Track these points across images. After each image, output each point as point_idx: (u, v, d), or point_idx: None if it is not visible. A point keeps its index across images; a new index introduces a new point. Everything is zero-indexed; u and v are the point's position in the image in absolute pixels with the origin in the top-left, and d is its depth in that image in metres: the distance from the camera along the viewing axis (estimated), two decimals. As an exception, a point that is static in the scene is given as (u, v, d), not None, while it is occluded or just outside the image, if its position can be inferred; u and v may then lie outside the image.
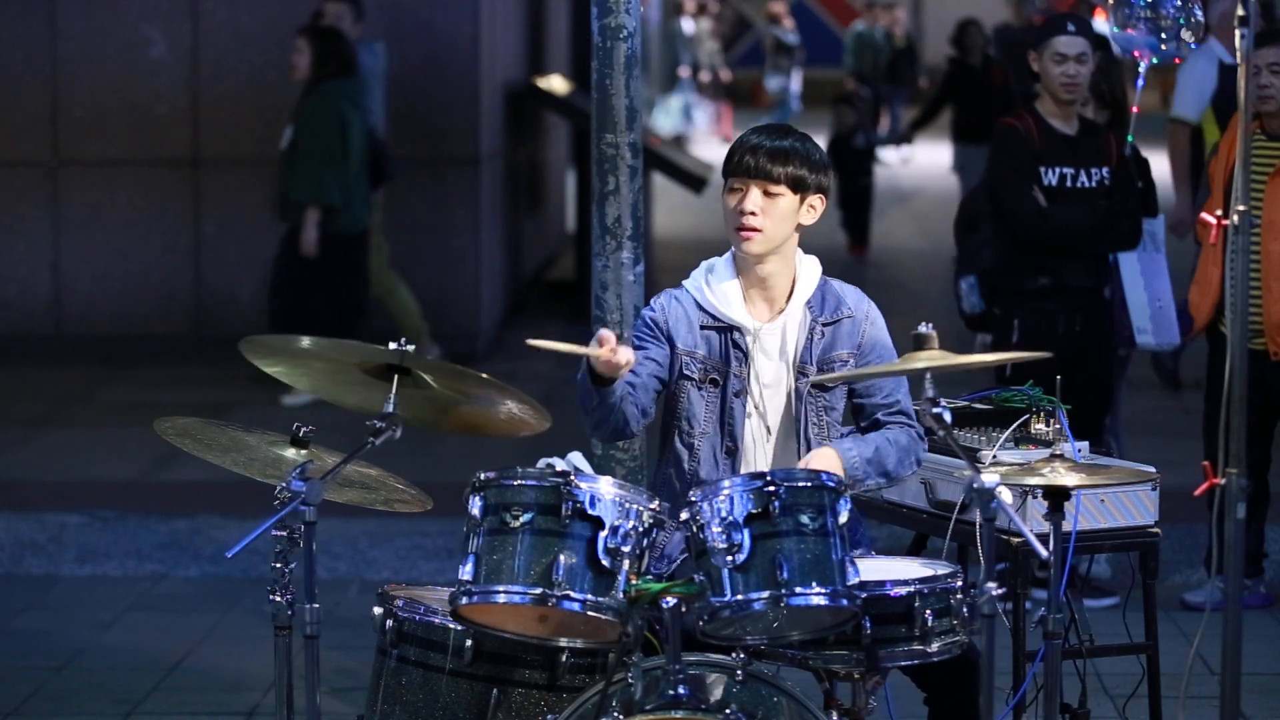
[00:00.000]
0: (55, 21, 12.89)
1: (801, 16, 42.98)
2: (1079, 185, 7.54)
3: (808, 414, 4.92)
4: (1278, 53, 7.27)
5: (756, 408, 4.91)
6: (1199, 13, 7.83)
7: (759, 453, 4.93)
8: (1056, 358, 7.02)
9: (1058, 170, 7.53)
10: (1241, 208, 4.61)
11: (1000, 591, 4.31)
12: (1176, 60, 7.94)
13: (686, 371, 4.91)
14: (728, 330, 4.92)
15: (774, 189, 4.85)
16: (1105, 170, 7.57)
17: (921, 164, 25.39)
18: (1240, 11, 4.54)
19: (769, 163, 4.84)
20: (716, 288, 4.95)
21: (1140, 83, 7.88)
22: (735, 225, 4.87)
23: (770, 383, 4.93)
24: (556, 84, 16.51)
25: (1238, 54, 4.61)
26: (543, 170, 17.27)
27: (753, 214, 4.84)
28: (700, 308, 4.94)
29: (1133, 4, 7.83)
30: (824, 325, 4.94)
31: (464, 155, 13.02)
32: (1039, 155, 7.52)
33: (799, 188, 4.86)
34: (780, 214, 4.86)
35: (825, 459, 4.75)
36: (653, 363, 4.90)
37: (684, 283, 5.01)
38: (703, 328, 4.93)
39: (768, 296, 4.95)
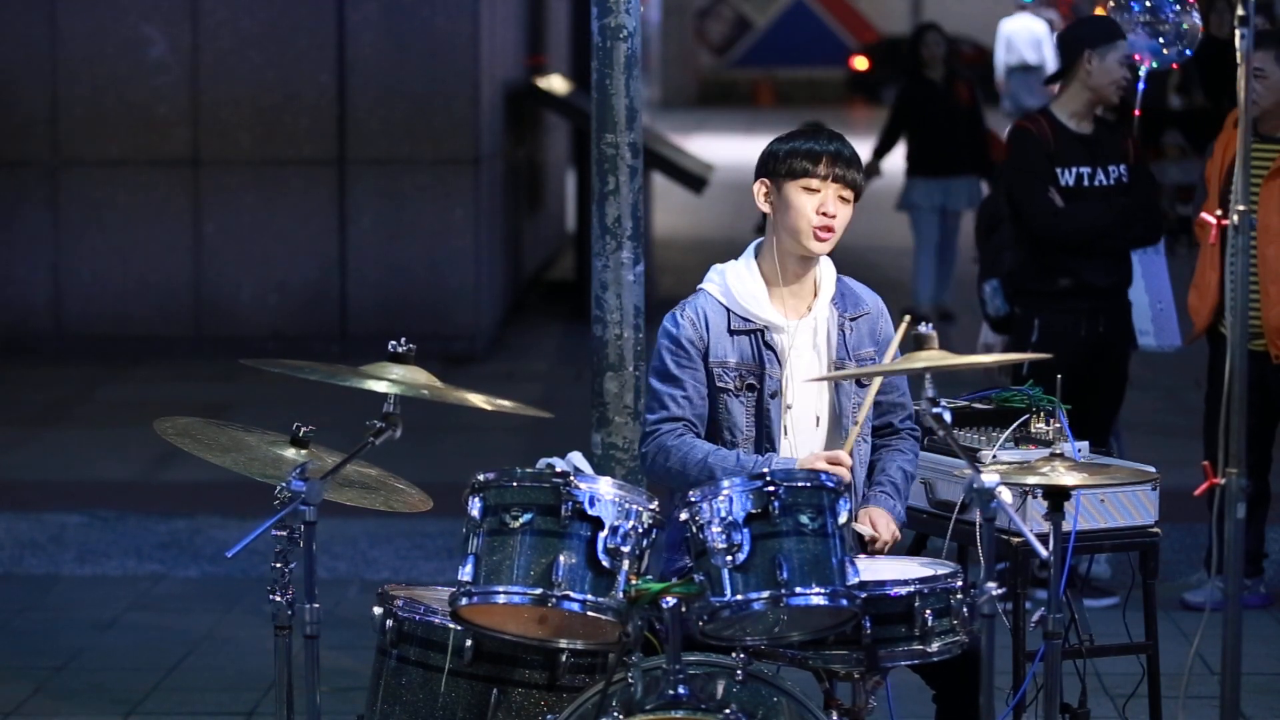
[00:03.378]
0: (55, 21, 12.90)
1: (801, 17, 43.00)
2: (1096, 184, 7.53)
3: (845, 409, 4.94)
4: (1261, 57, 7.25)
5: (793, 406, 4.91)
6: (1195, 17, 7.84)
7: (800, 450, 4.91)
8: (1077, 358, 7.01)
9: (1074, 170, 7.52)
10: (1241, 207, 4.61)
11: (1000, 591, 4.31)
12: (1174, 66, 7.94)
13: (720, 384, 4.90)
14: (759, 331, 4.91)
15: (846, 194, 4.88)
16: (1123, 167, 7.57)
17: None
18: (1240, 11, 4.53)
19: (846, 169, 4.86)
20: (742, 289, 4.93)
21: (1141, 86, 7.87)
22: (813, 225, 4.85)
23: (809, 379, 4.93)
24: (556, 84, 16.51)
25: (1238, 54, 4.60)
26: (543, 170, 17.27)
27: (833, 215, 4.85)
28: (728, 310, 4.93)
29: (1132, 8, 7.84)
30: (850, 320, 4.97)
31: (464, 155, 13.02)
32: (1054, 156, 7.51)
33: (859, 195, 4.91)
34: (846, 219, 4.91)
35: (881, 519, 4.87)
36: (702, 387, 4.90)
37: (702, 288, 4.97)
38: (733, 332, 4.91)
39: (796, 295, 4.95)
